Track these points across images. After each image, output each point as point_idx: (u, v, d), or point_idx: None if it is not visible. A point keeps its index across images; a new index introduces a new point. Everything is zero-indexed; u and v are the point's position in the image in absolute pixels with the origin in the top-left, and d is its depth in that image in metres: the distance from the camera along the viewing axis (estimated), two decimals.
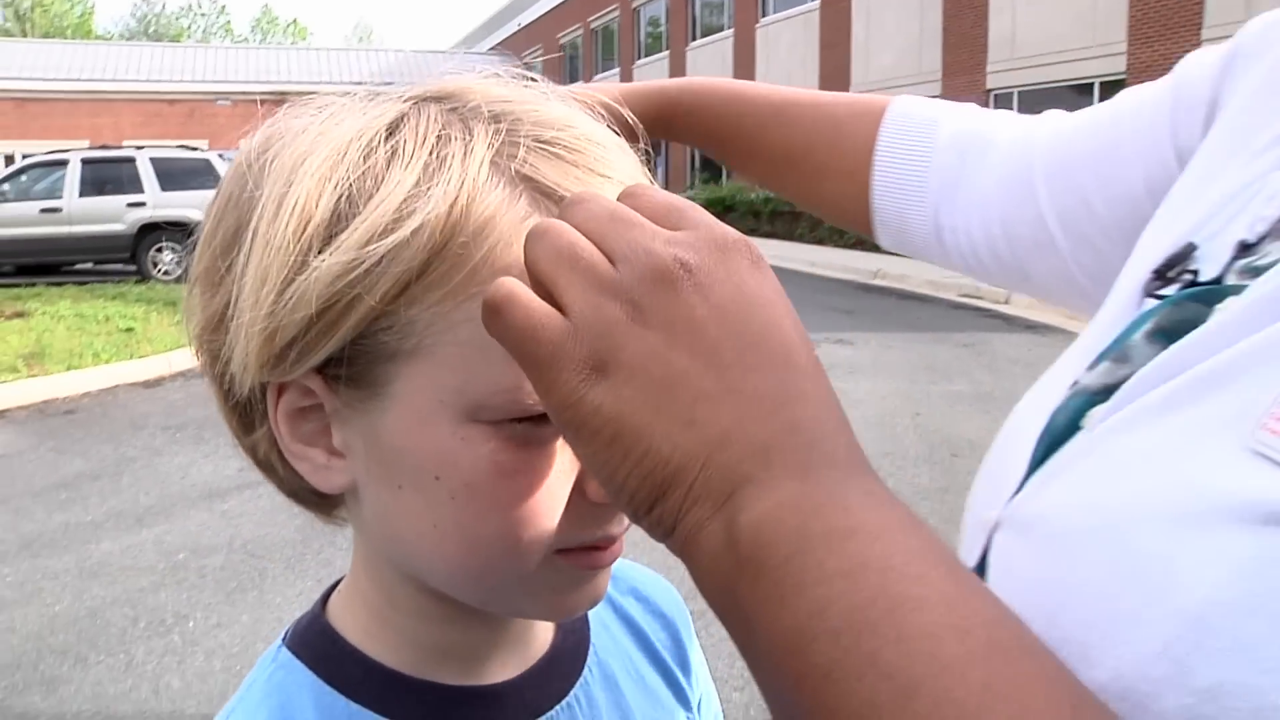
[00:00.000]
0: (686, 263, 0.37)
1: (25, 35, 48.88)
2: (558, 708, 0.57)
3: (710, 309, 0.36)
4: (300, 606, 0.58)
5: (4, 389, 7.19)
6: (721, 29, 24.68)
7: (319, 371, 0.47)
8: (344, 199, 0.44)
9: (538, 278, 0.38)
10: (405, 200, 0.43)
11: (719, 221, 0.39)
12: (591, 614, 0.63)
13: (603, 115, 0.51)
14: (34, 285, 12.74)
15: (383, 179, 0.44)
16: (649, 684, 0.64)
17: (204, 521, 4.60)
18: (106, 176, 14.07)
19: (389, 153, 0.45)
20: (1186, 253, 0.49)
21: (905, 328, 10.17)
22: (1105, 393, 0.44)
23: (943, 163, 0.76)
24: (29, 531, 4.66)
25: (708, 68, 24.82)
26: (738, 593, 0.34)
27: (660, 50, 27.87)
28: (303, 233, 0.44)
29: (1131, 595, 0.35)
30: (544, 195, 0.45)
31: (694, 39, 26.02)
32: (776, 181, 0.85)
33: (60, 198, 13.90)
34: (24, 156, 18.28)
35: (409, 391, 0.45)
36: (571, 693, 0.58)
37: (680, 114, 0.83)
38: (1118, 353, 0.47)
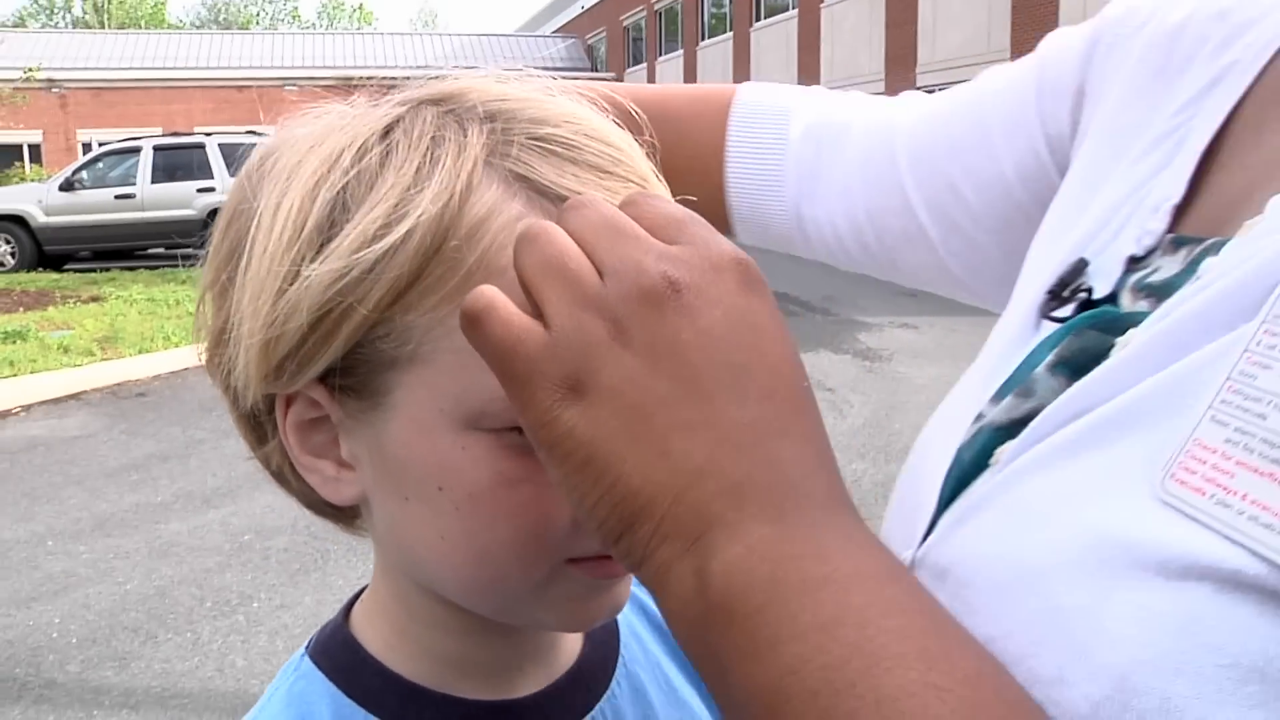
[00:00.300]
0: (676, 282, 0.35)
1: (104, 27, 50.07)
2: None
3: (696, 333, 0.34)
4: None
5: (80, 372, 7.40)
6: (786, 9, 24.40)
7: (323, 382, 0.46)
8: (336, 206, 0.43)
9: (524, 285, 0.37)
10: (397, 204, 0.42)
11: (721, 238, 0.38)
12: (621, 621, 0.61)
13: (609, 110, 0.49)
14: (108, 270, 13.10)
15: (375, 184, 0.43)
16: (680, 695, 0.62)
17: (268, 504, 4.68)
18: (177, 163, 14.42)
19: (382, 157, 0.44)
20: (1079, 269, 0.48)
21: (970, 311, 9.86)
22: (1011, 428, 0.43)
23: (799, 155, 0.73)
24: (102, 511, 4.79)
25: (772, 49, 24.61)
26: (708, 640, 0.33)
27: (724, 31, 27.66)
28: (295, 241, 0.43)
29: (1056, 653, 0.34)
30: (539, 194, 0.44)
31: (758, 19, 25.77)
32: None
33: (134, 184, 14.26)
34: (99, 144, 18.76)
35: (409, 401, 0.44)
36: (597, 706, 0.56)
37: None
38: (1022, 386, 0.45)
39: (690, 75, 28.83)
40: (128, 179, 14.34)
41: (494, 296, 0.36)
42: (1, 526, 4.60)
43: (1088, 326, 0.44)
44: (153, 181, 14.26)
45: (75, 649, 3.47)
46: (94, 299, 10.38)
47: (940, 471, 0.45)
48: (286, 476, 0.51)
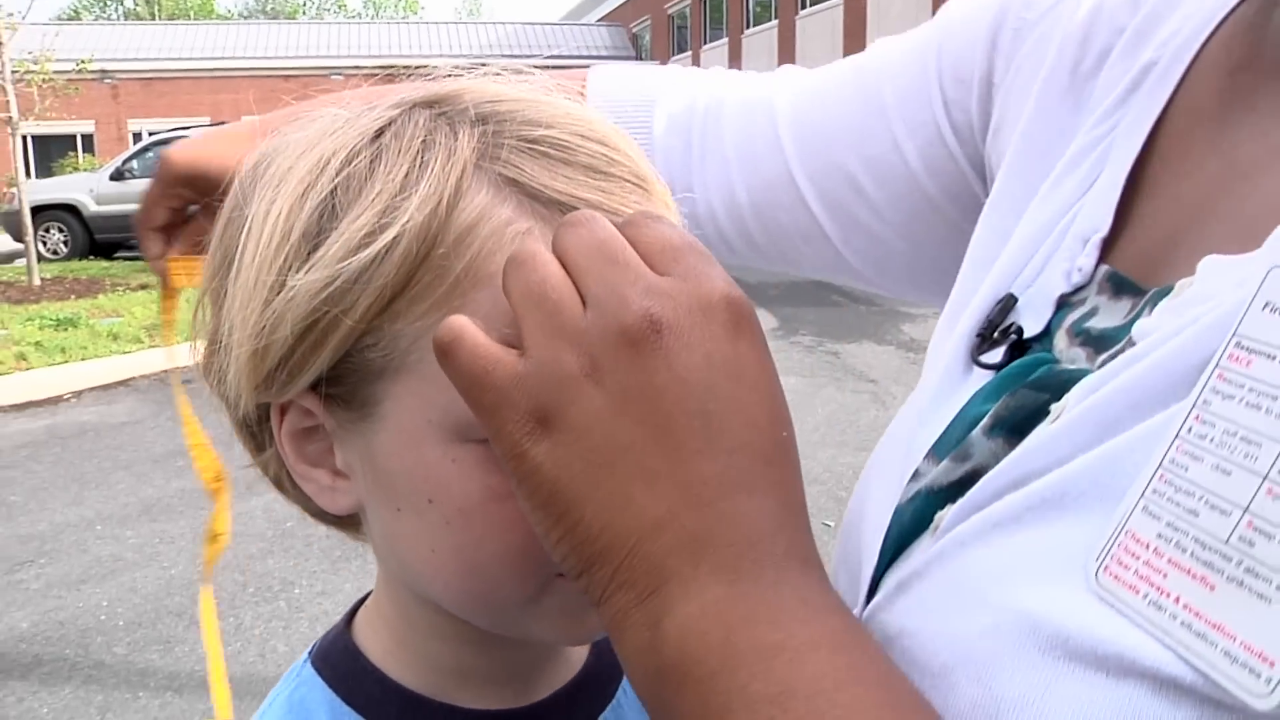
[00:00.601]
0: (658, 321, 0.34)
1: (154, 19, 50.83)
2: None
3: (671, 378, 0.33)
4: None
5: (130, 359, 7.53)
6: None
7: (315, 390, 0.45)
8: (324, 213, 0.42)
9: (511, 310, 0.36)
10: (384, 211, 0.41)
11: (716, 272, 0.36)
12: None
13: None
14: None
15: (362, 190, 0.42)
16: None
17: None
18: None
19: (370, 162, 0.43)
20: (1007, 306, 0.46)
21: None
22: (950, 490, 0.42)
23: (667, 150, 0.68)
24: (148, 496, 4.87)
25: (817, 36, 24.39)
26: (662, 696, 0.32)
27: (769, 19, 27.46)
28: (283, 249, 0.42)
29: None
30: (531, 197, 0.43)
31: (804, 8, 25.54)
32: None
33: None
34: (150, 134, 19.05)
35: (399, 411, 0.43)
36: (601, 716, 0.55)
37: None
38: (959, 450, 0.43)
39: (735, 62, 28.67)
40: None
41: (462, 326, 0.36)
42: (53, 510, 4.69)
43: (1023, 385, 0.43)
44: None
45: (122, 631, 3.53)
46: (143, 286, 10.55)
47: (880, 529, 0.45)
48: (285, 484, 0.51)
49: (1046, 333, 0.45)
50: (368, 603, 0.56)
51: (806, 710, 0.30)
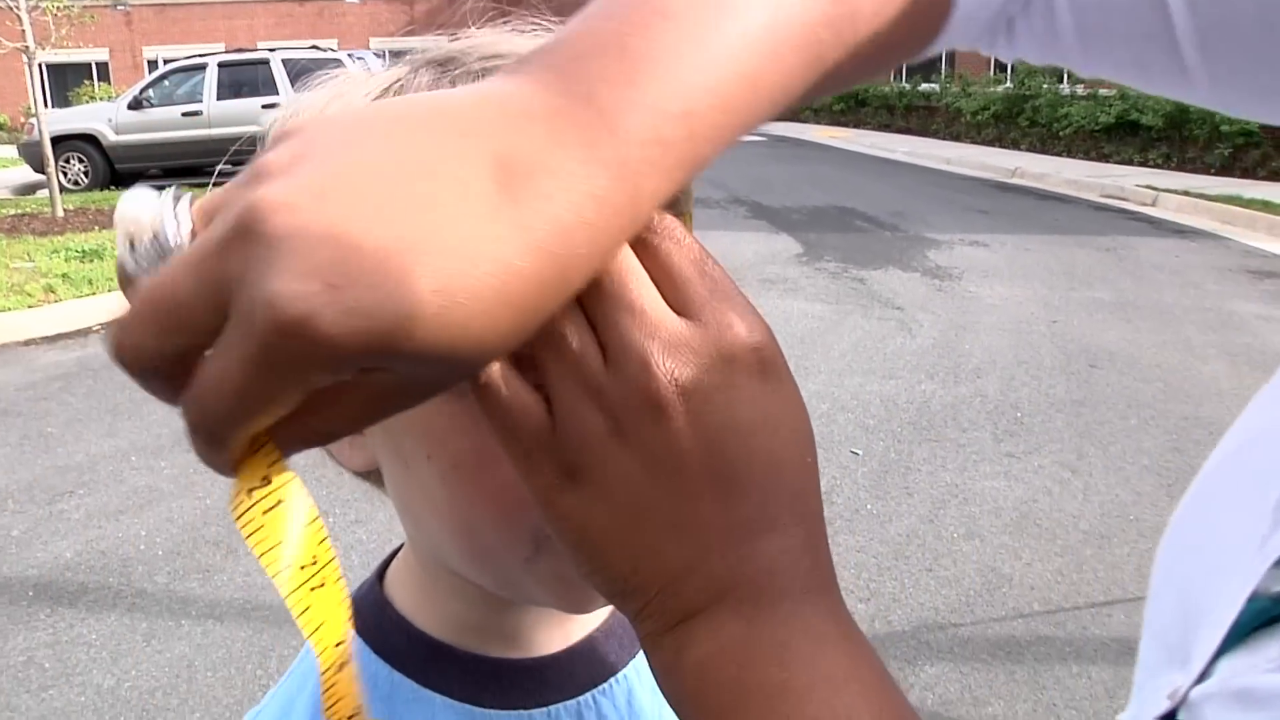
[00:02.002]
0: (684, 388, 0.33)
1: None
2: (609, 682, 0.56)
3: (697, 439, 0.33)
4: None
5: None
6: None
7: None
8: None
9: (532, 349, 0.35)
10: None
11: (742, 312, 0.35)
12: None
13: None
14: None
15: None
16: None
17: None
18: (243, 79, 14.47)
19: None
20: None
21: (1044, 229, 9.75)
22: None
23: None
24: (181, 427, 4.82)
25: None
26: (681, 714, 0.35)
27: None
28: None
29: None
30: None
31: None
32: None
33: (200, 101, 14.37)
34: (165, 61, 18.89)
35: None
36: (629, 665, 0.56)
37: None
38: None
39: None
40: (194, 96, 14.45)
41: (492, 375, 0.35)
42: (89, 441, 4.77)
43: None
44: (218, 99, 14.35)
45: (162, 561, 3.61)
46: None
47: (1227, 608, 0.40)
48: None
49: None
50: (398, 556, 0.58)
51: None
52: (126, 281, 0.32)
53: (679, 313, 0.34)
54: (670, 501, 0.34)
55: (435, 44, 0.48)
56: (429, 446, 0.45)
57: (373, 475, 0.53)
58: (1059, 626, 3.09)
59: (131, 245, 0.31)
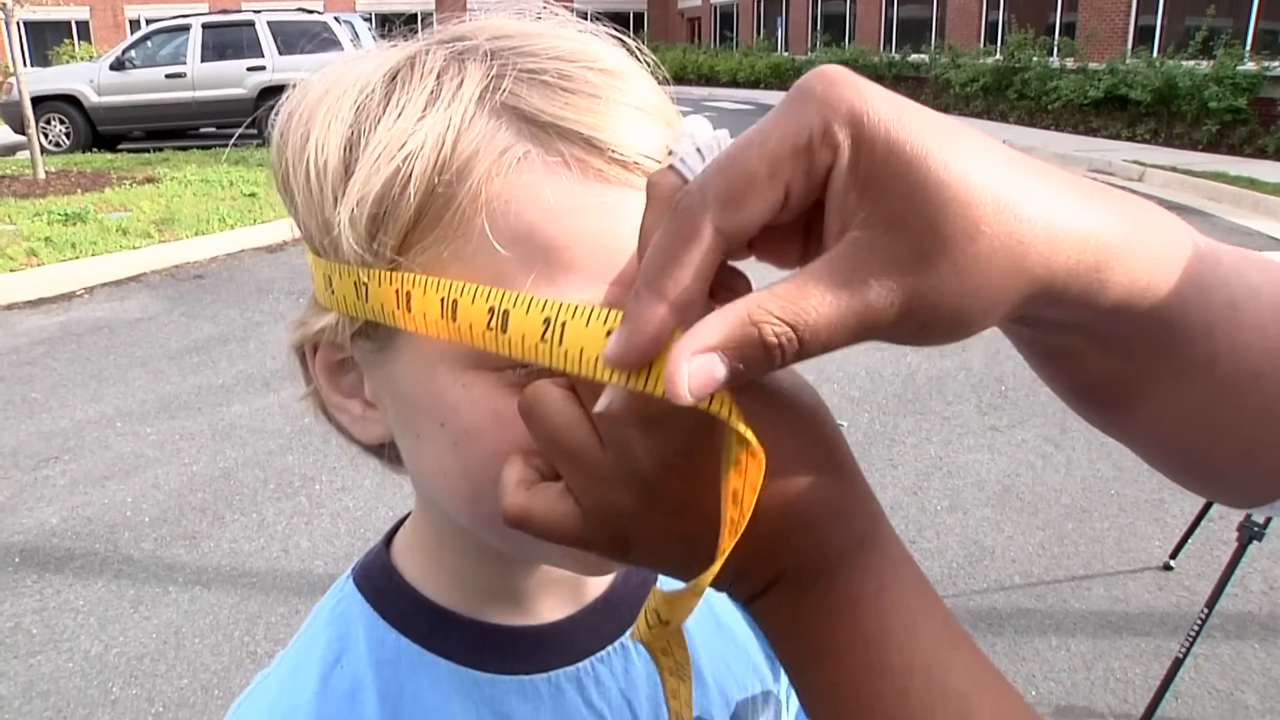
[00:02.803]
0: (684, 454, 0.36)
1: None
2: (609, 649, 0.57)
3: (705, 495, 0.36)
4: None
5: (140, 254, 7.52)
6: None
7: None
8: (348, 146, 0.45)
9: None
10: (399, 146, 0.44)
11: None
12: None
13: (622, 44, 0.49)
14: (161, 150, 13.14)
15: (375, 128, 0.44)
16: (722, 620, 0.63)
17: None
18: (227, 41, 14.27)
19: (383, 101, 0.45)
20: None
21: None
22: None
23: None
24: (166, 393, 4.92)
25: None
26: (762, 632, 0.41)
27: None
28: (322, 182, 0.45)
29: None
30: (528, 122, 0.44)
31: None
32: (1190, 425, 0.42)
33: (184, 63, 14.18)
34: (147, 21, 18.60)
35: (414, 341, 0.46)
36: (628, 632, 0.57)
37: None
38: None
39: None
40: (178, 58, 14.24)
41: (519, 508, 0.40)
42: (73, 407, 4.75)
43: None
44: (203, 60, 14.15)
45: (148, 527, 3.61)
46: (149, 180, 10.45)
47: None
48: (328, 417, 0.54)
49: None
50: (405, 525, 0.60)
51: (850, 708, 0.37)
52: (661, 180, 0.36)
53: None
54: (710, 533, 0.36)
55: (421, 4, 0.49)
56: (443, 415, 0.46)
57: (381, 450, 0.53)
58: (1039, 599, 3.13)
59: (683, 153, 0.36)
